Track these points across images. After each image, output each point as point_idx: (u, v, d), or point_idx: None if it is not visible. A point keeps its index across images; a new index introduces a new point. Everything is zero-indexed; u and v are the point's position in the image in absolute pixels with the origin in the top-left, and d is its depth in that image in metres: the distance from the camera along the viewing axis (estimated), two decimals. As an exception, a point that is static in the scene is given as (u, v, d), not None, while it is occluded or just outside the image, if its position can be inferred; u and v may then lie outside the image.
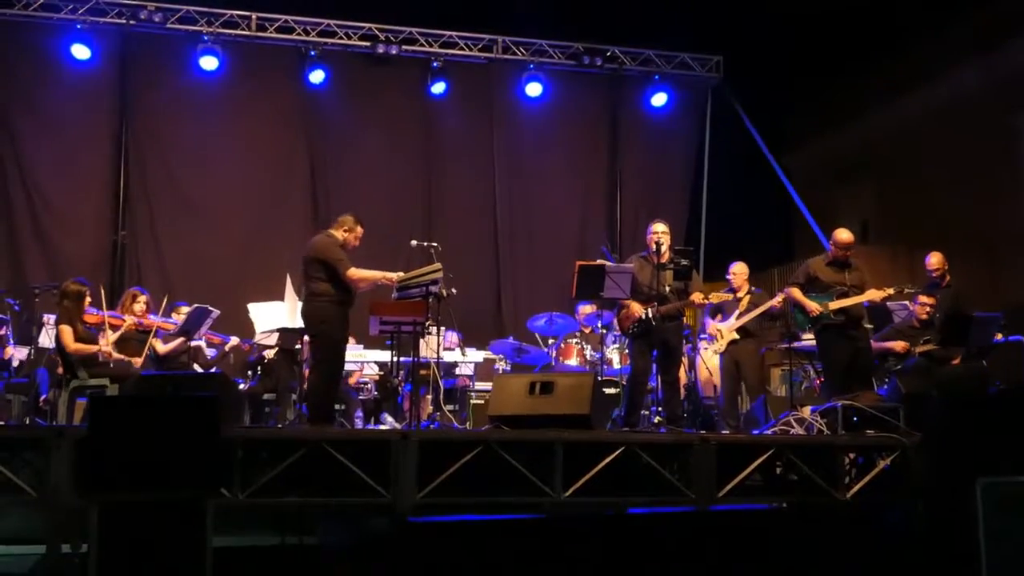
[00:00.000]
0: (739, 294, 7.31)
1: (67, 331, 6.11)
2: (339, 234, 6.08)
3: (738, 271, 7.44)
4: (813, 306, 6.46)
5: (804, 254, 7.59)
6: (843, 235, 6.62)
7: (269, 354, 7.62)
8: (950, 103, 10.58)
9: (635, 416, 6.46)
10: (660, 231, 6.41)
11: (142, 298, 6.75)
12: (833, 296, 6.46)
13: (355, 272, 5.93)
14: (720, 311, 7.36)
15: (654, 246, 6.39)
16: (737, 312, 7.25)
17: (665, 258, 6.35)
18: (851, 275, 6.57)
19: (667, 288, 6.35)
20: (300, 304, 6.22)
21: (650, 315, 6.29)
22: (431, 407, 7.21)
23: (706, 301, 6.61)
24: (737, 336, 7.21)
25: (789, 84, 11.00)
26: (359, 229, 6.15)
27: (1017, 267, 9.67)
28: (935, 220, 10.30)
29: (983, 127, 10.14)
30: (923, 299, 6.73)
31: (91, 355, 6.15)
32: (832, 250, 6.68)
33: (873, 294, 6.45)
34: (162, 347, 6.96)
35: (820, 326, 6.53)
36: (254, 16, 9.65)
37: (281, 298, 6.79)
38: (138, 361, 6.44)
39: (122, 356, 6.36)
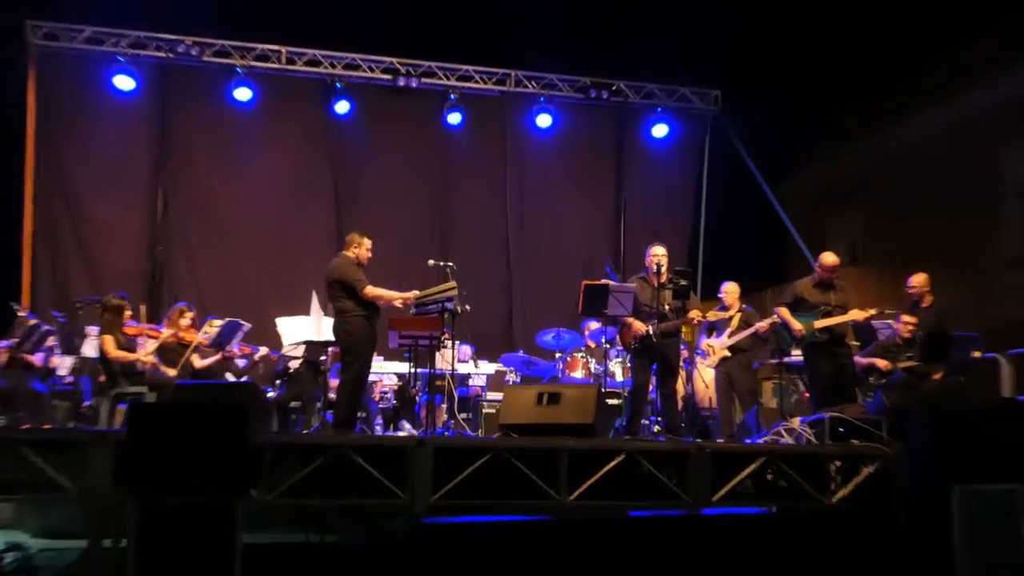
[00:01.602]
0: (730, 312, 7.52)
1: (109, 340, 6.45)
2: (351, 253, 6.41)
3: (730, 290, 7.66)
4: (797, 327, 6.72)
5: (795, 276, 7.75)
6: (828, 258, 6.89)
7: (294, 364, 7.92)
8: (935, 134, 10.77)
9: (636, 425, 6.72)
10: (659, 254, 6.71)
11: (189, 314, 7.09)
12: (819, 315, 6.72)
13: (372, 290, 6.26)
14: (715, 328, 7.58)
15: (654, 267, 6.69)
16: (729, 331, 7.47)
17: (664, 279, 6.64)
18: (836, 296, 6.82)
19: (666, 307, 6.62)
20: (328, 320, 6.53)
21: (650, 332, 6.58)
22: (446, 415, 7.50)
23: (703, 319, 6.87)
24: (728, 354, 7.41)
25: (783, 116, 11.15)
26: (366, 241, 6.46)
27: (995, 289, 9.83)
28: (920, 244, 10.44)
29: (967, 156, 10.30)
30: (906, 318, 6.91)
31: (130, 363, 6.48)
32: (818, 272, 6.93)
33: (856, 314, 6.69)
34: (199, 362, 7.26)
35: (806, 344, 6.79)
36: (284, 50, 10.10)
37: (307, 313, 7.06)
38: (173, 372, 6.75)
39: (157, 364, 6.67)
